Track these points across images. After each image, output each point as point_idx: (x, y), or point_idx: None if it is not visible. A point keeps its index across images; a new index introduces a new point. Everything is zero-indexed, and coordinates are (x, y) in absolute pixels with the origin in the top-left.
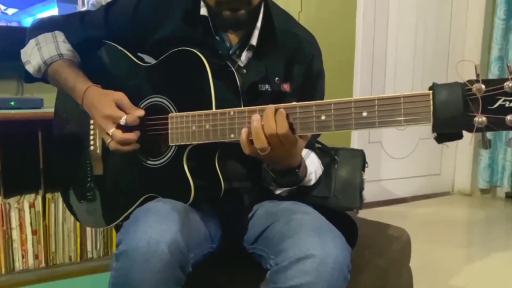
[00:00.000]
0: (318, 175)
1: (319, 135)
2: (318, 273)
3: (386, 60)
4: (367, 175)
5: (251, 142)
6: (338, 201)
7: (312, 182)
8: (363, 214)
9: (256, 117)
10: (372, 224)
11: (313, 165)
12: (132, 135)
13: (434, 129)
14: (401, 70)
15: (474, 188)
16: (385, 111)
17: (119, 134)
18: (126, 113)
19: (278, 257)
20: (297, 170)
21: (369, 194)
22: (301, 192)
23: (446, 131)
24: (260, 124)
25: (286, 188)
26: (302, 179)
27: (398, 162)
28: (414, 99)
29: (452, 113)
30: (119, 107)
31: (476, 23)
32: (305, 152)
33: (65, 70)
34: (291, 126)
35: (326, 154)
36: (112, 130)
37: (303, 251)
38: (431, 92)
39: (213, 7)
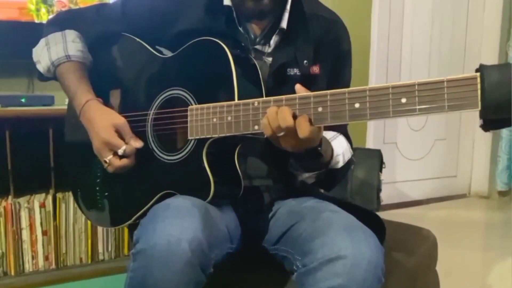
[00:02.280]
0: (346, 158)
1: None
2: (350, 275)
3: (401, 59)
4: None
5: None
6: (355, 203)
7: (340, 164)
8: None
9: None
10: (395, 224)
11: (340, 148)
12: (129, 162)
13: (482, 114)
14: (416, 69)
15: (492, 190)
16: (427, 97)
17: (116, 162)
18: (125, 142)
19: (305, 258)
20: (319, 148)
21: (383, 196)
22: (330, 177)
23: (495, 117)
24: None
25: (313, 173)
26: (327, 161)
27: (413, 164)
28: (459, 83)
29: (504, 96)
30: (119, 133)
31: (493, 21)
32: (332, 134)
33: (70, 76)
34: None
35: None
36: (109, 157)
37: (334, 252)
38: (478, 74)
39: None
